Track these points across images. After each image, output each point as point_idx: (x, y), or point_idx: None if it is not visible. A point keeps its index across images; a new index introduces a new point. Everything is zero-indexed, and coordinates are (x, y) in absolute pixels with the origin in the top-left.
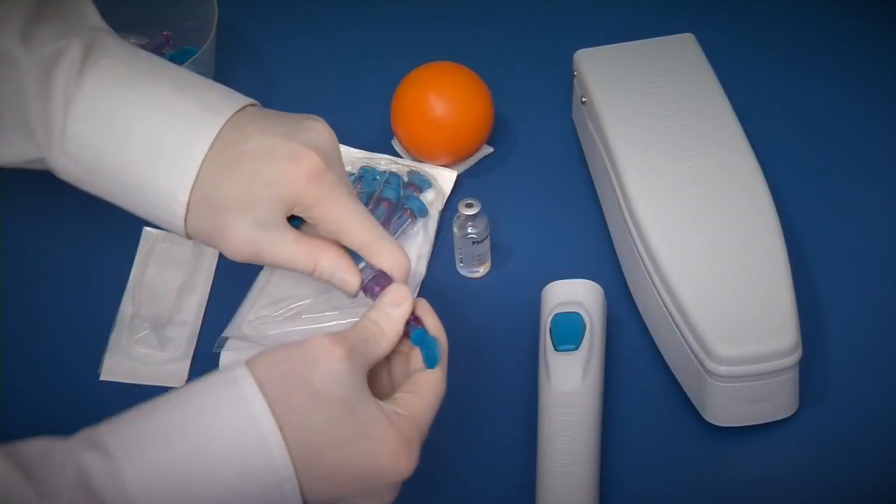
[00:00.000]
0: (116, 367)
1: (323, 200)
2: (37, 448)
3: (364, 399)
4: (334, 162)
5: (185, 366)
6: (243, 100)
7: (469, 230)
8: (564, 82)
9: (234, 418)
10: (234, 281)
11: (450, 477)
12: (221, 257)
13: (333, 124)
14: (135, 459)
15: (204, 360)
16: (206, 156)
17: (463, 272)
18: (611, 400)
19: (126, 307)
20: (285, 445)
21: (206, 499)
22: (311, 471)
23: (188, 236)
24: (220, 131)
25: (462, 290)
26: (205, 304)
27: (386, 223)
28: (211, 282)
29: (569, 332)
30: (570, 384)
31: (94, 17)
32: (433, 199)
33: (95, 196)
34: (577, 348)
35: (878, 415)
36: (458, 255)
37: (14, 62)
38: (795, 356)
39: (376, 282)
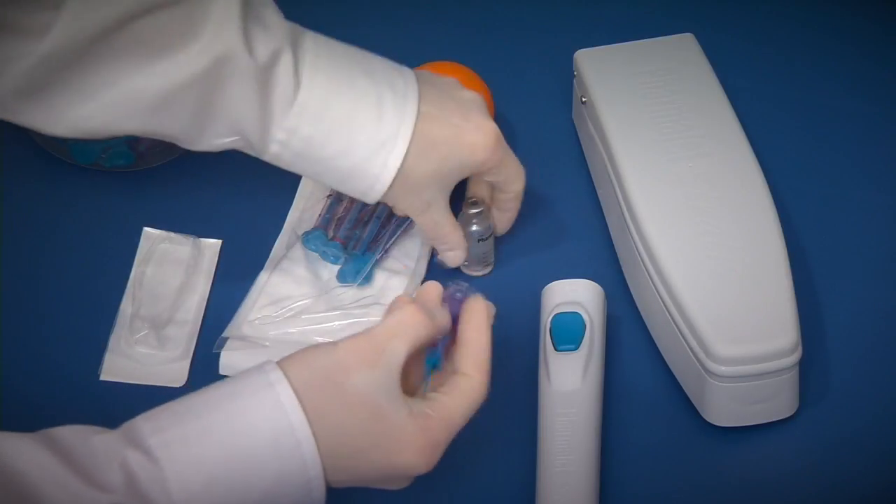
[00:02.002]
0: (116, 367)
1: (499, 162)
2: (74, 435)
3: (395, 403)
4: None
5: (185, 366)
6: (410, 72)
7: (474, 227)
8: (564, 82)
9: (272, 426)
10: (234, 281)
11: (450, 477)
12: (221, 257)
13: None
14: (178, 463)
15: (204, 360)
16: (411, 138)
17: (467, 272)
18: (611, 400)
19: (126, 307)
20: (317, 450)
21: (243, 500)
22: (337, 467)
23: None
24: (416, 123)
25: None
26: (205, 304)
27: (386, 223)
28: (211, 282)
29: (569, 332)
30: (570, 384)
31: (280, 14)
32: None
33: (299, 173)
34: (577, 348)
35: (878, 415)
36: None
37: (239, 68)
38: (795, 356)
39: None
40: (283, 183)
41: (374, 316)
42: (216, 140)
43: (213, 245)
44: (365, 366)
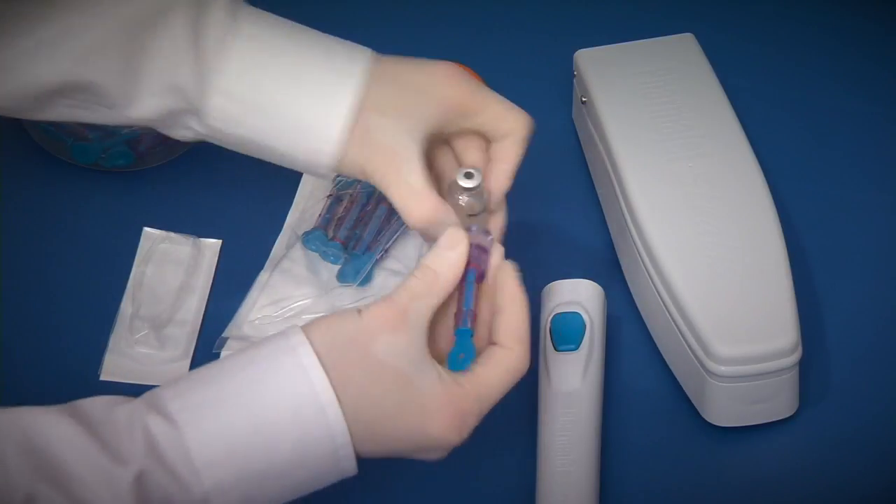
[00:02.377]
0: (116, 367)
1: (473, 97)
2: (99, 407)
3: (422, 368)
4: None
5: (185, 365)
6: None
7: (462, 198)
8: (564, 82)
9: (294, 389)
10: (234, 281)
11: (450, 477)
12: (221, 257)
13: None
14: (199, 428)
15: (204, 360)
16: (365, 77)
17: None
18: (611, 400)
19: (126, 307)
20: (343, 415)
21: (267, 466)
22: (364, 436)
23: (333, 169)
24: (371, 65)
25: None
26: (205, 304)
27: (386, 223)
28: (211, 282)
29: (569, 332)
30: (570, 384)
31: None
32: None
33: (236, 143)
34: (577, 348)
35: (878, 415)
36: None
37: (167, 13)
38: (795, 356)
39: (481, 250)
40: (283, 183)
41: None
42: (153, 100)
43: (213, 245)
44: (388, 330)
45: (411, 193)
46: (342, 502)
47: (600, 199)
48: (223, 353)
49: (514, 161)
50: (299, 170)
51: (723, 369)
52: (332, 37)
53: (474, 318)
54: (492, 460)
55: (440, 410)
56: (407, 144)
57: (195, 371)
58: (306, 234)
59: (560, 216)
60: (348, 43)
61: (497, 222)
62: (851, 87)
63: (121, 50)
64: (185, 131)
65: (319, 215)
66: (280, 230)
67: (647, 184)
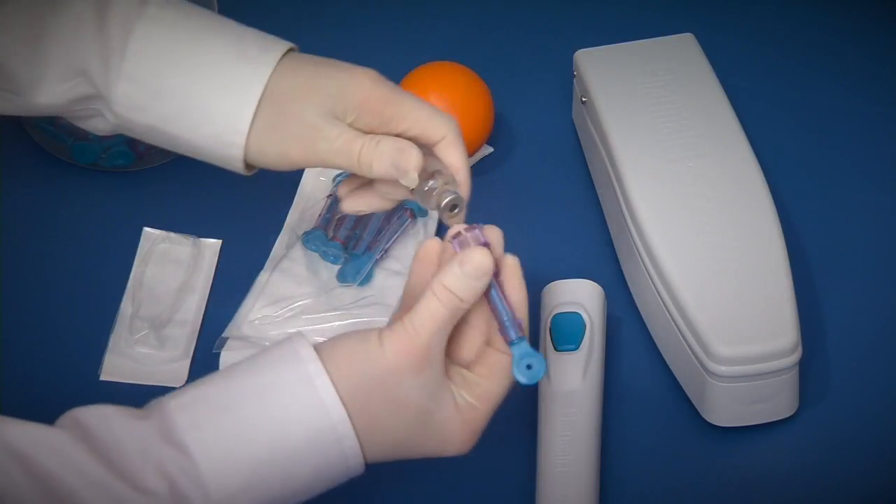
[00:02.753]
0: (116, 367)
1: (393, 98)
2: (104, 426)
3: (441, 399)
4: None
5: (185, 365)
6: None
7: (439, 202)
8: (564, 82)
9: (313, 425)
10: (234, 281)
11: (450, 477)
12: (221, 257)
13: None
14: (217, 463)
15: (204, 360)
16: (275, 66)
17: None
18: (611, 400)
19: (126, 307)
20: (361, 452)
21: (281, 495)
22: (375, 456)
23: (245, 165)
24: (284, 53)
25: None
26: (204, 304)
27: (386, 223)
28: (211, 282)
29: (569, 332)
30: (570, 384)
31: None
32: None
33: (145, 133)
34: (577, 348)
35: (878, 415)
36: None
37: None
38: (795, 356)
39: (475, 239)
40: (283, 183)
41: (374, 316)
42: (59, 86)
43: (213, 245)
44: (414, 372)
45: (352, 155)
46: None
47: (600, 199)
48: (223, 354)
49: (462, 162)
50: (214, 163)
51: (723, 369)
52: (249, 28)
53: (520, 325)
54: (492, 460)
55: (457, 435)
56: (325, 123)
57: (206, 389)
58: (306, 234)
59: (560, 216)
60: (266, 35)
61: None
62: (851, 87)
63: (23, 31)
64: (97, 121)
65: (319, 215)
66: (280, 230)
67: (647, 184)
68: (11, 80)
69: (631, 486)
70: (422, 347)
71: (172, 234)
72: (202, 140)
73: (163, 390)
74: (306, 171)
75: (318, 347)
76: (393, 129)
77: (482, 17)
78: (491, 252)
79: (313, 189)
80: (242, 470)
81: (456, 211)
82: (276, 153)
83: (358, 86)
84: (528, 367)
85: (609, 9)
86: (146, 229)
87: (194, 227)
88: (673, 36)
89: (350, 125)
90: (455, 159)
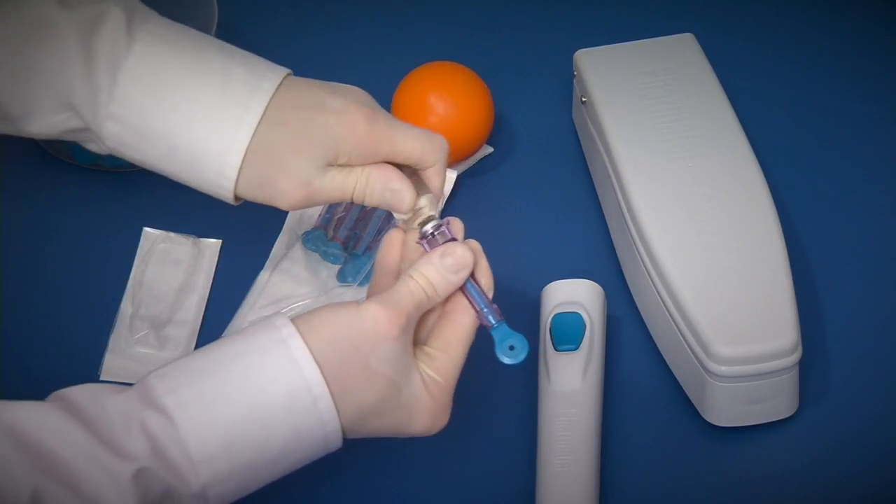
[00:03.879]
0: (116, 367)
1: (388, 136)
2: (87, 397)
3: (410, 374)
4: (381, 110)
5: None
6: (285, 69)
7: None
8: (564, 82)
9: (289, 385)
10: (234, 281)
11: (450, 477)
12: (221, 257)
13: None
14: (196, 424)
15: None
16: (262, 116)
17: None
18: (611, 400)
19: (126, 307)
20: (339, 420)
21: (261, 455)
22: (353, 428)
23: (235, 198)
24: (272, 95)
25: None
26: (204, 303)
27: (386, 223)
28: (211, 282)
29: (569, 332)
30: (570, 384)
31: None
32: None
33: (139, 164)
34: (577, 348)
35: (878, 415)
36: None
37: (55, 27)
38: (795, 356)
39: (442, 236)
40: None
41: None
42: (50, 118)
43: (213, 245)
44: (389, 340)
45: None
46: (344, 501)
47: (600, 199)
48: None
49: (441, 187)
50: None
51: (723, 369)
52: (236, 55)
53: (496, 309)
54: (492, 460)
55: (424, 411)
56: (318, 176)
57: (186, 360)
58: (306, 234)
59: (560, 216)
60: (257, 65)
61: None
62: (851, 87)
63: (11, 65)
64: (93, 145)
65: (319, 215)
66: (280, 230)
67: (647, 184)
68: (3, 109)
69: (631, 486)
70: (399, 316)
71: (172, 234)
72: (192, 179)
73: None
74: None
75: (294, 317)
76: (382, 157)
77: (482, 17)
78: (444, 237)
79: None
80: (221, 431)
81: (430, 231)
82: (266, 199)
83: (351, 132)
84: (511, 347)
85: (609, 9)
86: (146, 229)
87: (194, 227)
88: (673, 36)
89: (343, 165)
90: (436, 184)
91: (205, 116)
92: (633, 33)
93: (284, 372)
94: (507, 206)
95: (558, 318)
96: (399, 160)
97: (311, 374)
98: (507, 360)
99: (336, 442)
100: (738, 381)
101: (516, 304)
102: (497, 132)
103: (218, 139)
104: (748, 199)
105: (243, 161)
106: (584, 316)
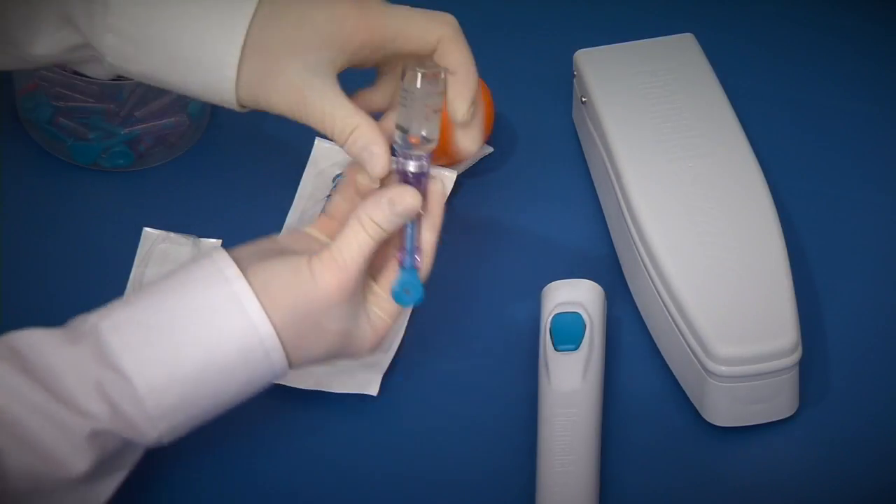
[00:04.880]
0: None
1: (379, 24)
2: (35, 347)
3: (359, 319)
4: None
5: None
6: None
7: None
8: (564, 82)
9: (246, 349)
10: None
11: (450, 477)
12: None
13: None
14: (152, 381)
15: None
16: (255, 11)
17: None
18: (611, 400)
19: None
20: (288, 366)
21: (214, 404)
22: (299, 365)
23: (238, 104)
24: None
25: (462, 289)
26: None
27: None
28: None
29: (569, 332)
30: (570, 384)
31: None
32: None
33: (141, 78)
34: (577, 348)
35: (878, 415)
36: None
37: None
38: (795, 356)
39: (414, 178)
40: (283, 183)
41: None
42: (52, 35)
43: (212, 245)
44: (340, 301)
45: (336, 122)
46: (342, 500)
47: (600, 199)
48: None
49: (466, 59)
50: (213, 103)
51: (723, 369)
52: None
53: (417, 258)
54: (492, 460)
55: (366, 343)
56: (309, 89)
57: (136, 310)
58: None
59: (560, 216)
60: None
61: (469, 140)
62: (851, 87)
63: None
64: (95, 67)
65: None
66: (280, 230)
67: (647, 184)
68: (7, 32)
69: (631, 486)
70: (350, 280)
71: (172, 234)
72: (194, 87)
73: None
74: (306, 171)
75: (250, 274)
76: (389, 53)
77: (482, 17)
78: (413, 167)
79: (313, 189)
80: (176, 388)
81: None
82: (266, 104)
83: (340, 27)
84: (406, 292)
85: (609, 9)
86: (146, 229)
87: (194, 227)
88: (673, 36)
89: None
90: (453, 59)
91: (199, 18)
92: (633, 33)
93: (241, 335)
94: (507, 206)
95: (558, 318)
96: (405, 49)
97: (268, 339)
98: (395, 300)
99: (282, 374)
100: (738, 381)
101: (516, 304)
102: (497, 132)
103: (214, 41)
104: (748, 199)
105: (241, 61)
106: (584, 316)
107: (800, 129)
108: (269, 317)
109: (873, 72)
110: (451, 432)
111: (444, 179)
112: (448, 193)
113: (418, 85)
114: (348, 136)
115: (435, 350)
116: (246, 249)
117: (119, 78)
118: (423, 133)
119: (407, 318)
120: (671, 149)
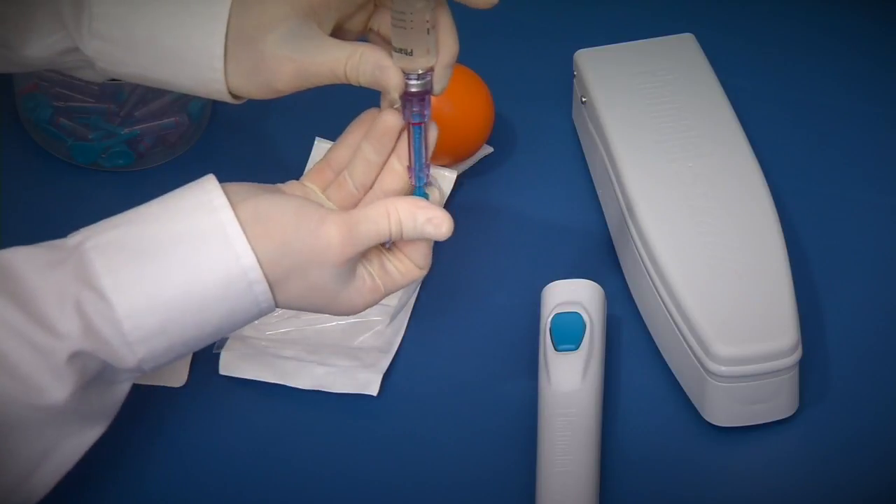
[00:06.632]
0: None
1: None
2: (18, 266)
3: (350, 283)
4: None
5: (185, 365)
6: None
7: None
8: (564, 82)
9: (229, 280)
10: None
11: (450, 477)
12: None
13: (334, 125)
14: (133, 306)
15: (204, 360)
16: (232, 3)
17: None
18: (611, 400)
19: None
20: (273, 301)
21: (196, 334)
22: (288, 306)
23: (232, 96)
24: None
25: (462, 289)
26: None
27: None
28: None
29: (569, 332)
30: (570, 384)
31: None
32: (433, 199)
33: (132, 79)
34: (577, 348)
35: (878, 415)
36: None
37: None
38: (795, 356)
39: (419, 98)
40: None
41: (372, 315)
42: (45, 38)
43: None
44: (336, 265)
45: (336, 65)
46: (342, 501)
47: (600, 199)
48: (223, 353)
49: (444, 23)
50: (207, 97)
51: (723, 369)
52: None
53: (429, 182)
54: (492, 460)
55: (354, 307)
56: (299, 53)
57: (123, 235)
58: None
59: (560, 216)
60: None
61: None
62: (851, 87)
63: None
64: (88, 72)
65: None
66: None
67: (647, 184)
68: (4, 33)
69: (631, 486)
70: (353, 248)
71: None
72: (185, 83)
73: (163, 390)
74: (305, 172)
75: (241, 206)
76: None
77: (482, 18)
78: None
79: None
80: (157, 314)
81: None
82: (259, 89)
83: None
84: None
85: (609, 9)
86: None
87: None
88: (673, 36)
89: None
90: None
91: (180, 15)
92: (633, 33)
93: (225, 265)
94: (507, 206)
95: (558, 318)
96: None
97: (252, 271)
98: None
99: (268, 310)
100: (737, 381)
101: (516, 304)
102: (497, 132)
103: (197, 34)
104: (748, 199)
105: (227, 50)
106: (584, 316)
107: (800, 129)
108: (255, 249)
109: (873, 72)
110: (451, 432)
111: (444, 179)
112: (448, 193)
113: None
114: (358, 66)
115: (435, 350)
116: (246, 185)
117: (117, 79)
118: (429, 46)
119: (407, 319)
120: (671, 149)
